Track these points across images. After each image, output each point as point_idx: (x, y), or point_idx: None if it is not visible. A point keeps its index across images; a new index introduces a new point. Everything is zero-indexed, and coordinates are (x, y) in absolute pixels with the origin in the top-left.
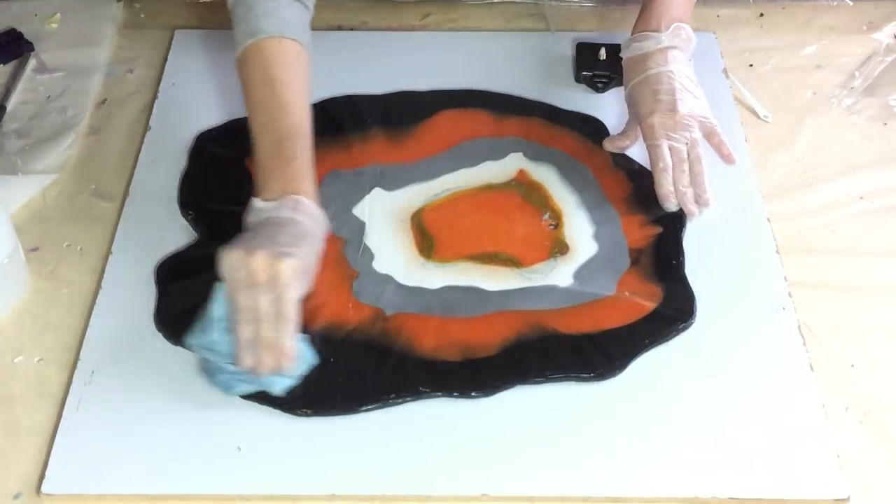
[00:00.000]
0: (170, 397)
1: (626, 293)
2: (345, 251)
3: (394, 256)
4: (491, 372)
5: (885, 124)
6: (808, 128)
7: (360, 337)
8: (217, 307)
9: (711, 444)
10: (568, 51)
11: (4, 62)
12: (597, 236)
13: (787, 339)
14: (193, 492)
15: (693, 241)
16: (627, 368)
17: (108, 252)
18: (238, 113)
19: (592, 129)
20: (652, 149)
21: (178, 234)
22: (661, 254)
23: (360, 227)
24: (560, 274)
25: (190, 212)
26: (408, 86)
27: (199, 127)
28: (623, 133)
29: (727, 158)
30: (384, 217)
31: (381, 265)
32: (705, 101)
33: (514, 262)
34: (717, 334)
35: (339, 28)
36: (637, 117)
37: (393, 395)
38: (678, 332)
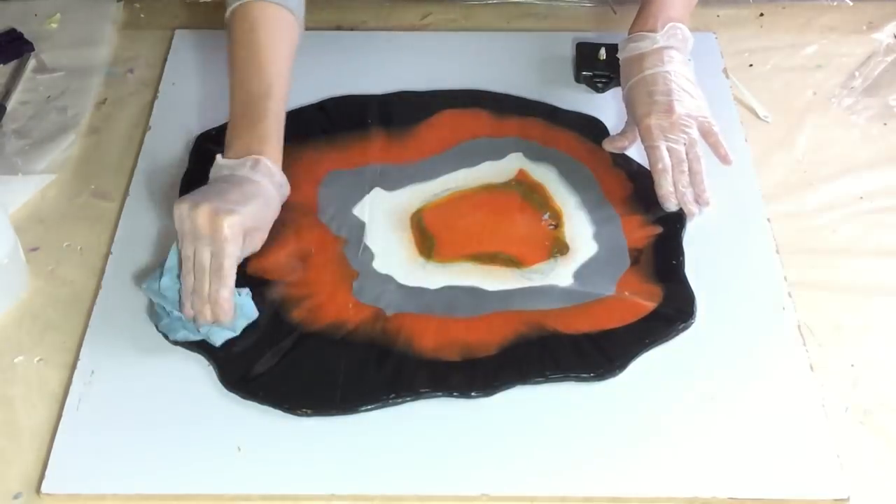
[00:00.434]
0: (170, 397)
1: (626, 293)
2: (345, 251)
3: (394, 256)
4: (491, 372)
5: (885, 124)
6: (808, 128)
7: (360, 337)
8: (172, 256)
9: (711, 444)
10: (568, 51)
11: (4, 62)
12: (597, 236)
13: (787, 339)
14: (193, 492)
15: (693, 241)
16: (627, 368)
17: (108, 252)
18: None
19: (592, 129)
20: (650, 150)
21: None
22: (661, 254)
23: (360, 227)
24: (560, 274)
25: None
26: (408, 86)
27: (199, 127)
28: (622, 134)
29: (724, 159)
30: (384, 217)
31: (381, 265)
32: (704, 101)
33: (514, 262)
34: (717, 334)
35: (339, 28)
36: (634, 119)
37: (393, 395)
38: (678, 332)
